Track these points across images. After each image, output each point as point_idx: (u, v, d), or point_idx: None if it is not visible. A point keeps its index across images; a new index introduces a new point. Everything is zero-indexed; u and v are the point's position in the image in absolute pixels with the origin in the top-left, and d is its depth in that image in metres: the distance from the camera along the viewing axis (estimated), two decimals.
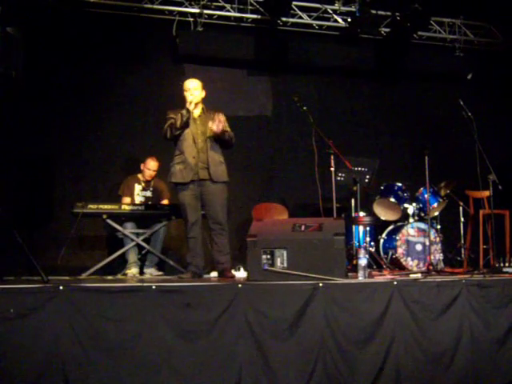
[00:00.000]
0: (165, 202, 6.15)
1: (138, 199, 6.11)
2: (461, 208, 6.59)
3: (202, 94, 4.84)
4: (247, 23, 7.27)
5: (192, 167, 4.65)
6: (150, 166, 6.14)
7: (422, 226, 6.13)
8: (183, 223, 4.82)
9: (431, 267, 5.24)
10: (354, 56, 7.57)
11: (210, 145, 4.72)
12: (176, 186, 4.76)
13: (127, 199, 6.05)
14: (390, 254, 6.15)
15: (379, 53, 7.66)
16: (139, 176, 6.21)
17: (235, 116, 6.23)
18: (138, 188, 6.15)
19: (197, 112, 4.80)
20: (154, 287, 3.37)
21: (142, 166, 6.21)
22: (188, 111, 4.67)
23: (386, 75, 7.77)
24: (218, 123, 4.63)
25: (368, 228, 6.16)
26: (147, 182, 6.19)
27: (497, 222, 5.27)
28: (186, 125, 4.68)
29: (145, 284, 3.49)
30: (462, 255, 6.48)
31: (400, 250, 6.05)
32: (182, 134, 4.70)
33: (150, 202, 6.06)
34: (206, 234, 4.94)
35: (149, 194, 6.18)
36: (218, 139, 4.75)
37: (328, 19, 7.50)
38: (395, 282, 3.85)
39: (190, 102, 4.69)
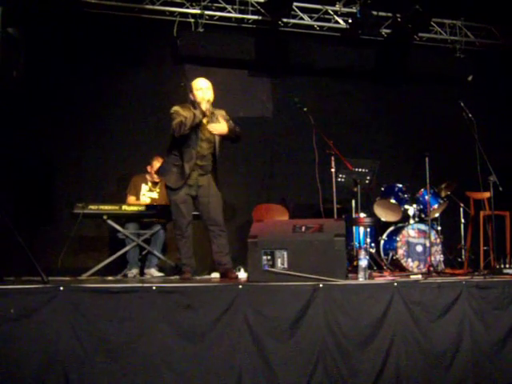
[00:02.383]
0: None
1: (144, 200, 6.08)
2: (461, 209, 6.58)
3: (213, 94, 4.70)
4: (248, 24, 7.27)
5: (186, 175, 4.56)
6: (157, 167, 6.08)
7: (423, 227, 6.13)
8: None
9: (432, 268, 5.24)
10: (355, 57, 7.58)
11: (214, 150, 4.68)
12: (167, 187, 4.71)
13: (132, 198, 6.01)
14: (391, 255, 6.15)
15: (380, 54, 7.66)
16: (147, 176, 6.16)
17: (236, 117, 6.22)
18: (144, 188, 6.11)
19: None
20: (154, 288, 3.37)
21: (148, 168, 6.13)
22: (203, 113, 4.54)
23: (387, 76, 7.77)
24: (218, 128, 4.60)
25: (368, 229, 6.16)
26: (154, 184, 6.15)
27: (497, 224, 5.27)
28: (196, 126, 4.55)
29: (145, 285, 3.50)
30: (463, 256, 6.47)
31: (400, 251, 6.04)
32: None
33: (155, 204, 6.00)
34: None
35: (155, 195, 6.13)
36: (227, 138, 4.73)
37: (329, 20, 7.50)
38: (395, 283, 3.85)
39: (208, 101, 4.56)
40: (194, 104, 4.66)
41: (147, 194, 6.12)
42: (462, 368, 3.85)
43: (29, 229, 5.86)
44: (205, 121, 4.62)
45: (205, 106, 4.54)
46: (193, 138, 4.58)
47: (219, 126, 4.64)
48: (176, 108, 4.65)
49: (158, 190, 6.15)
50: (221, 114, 4.77)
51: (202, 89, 4.65)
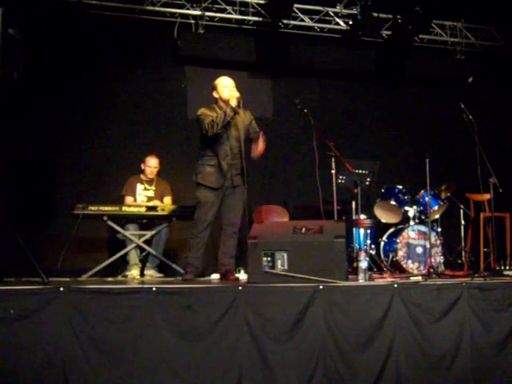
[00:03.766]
0: (167, 199, 6.13)
1: (140, 199, 6.09)
2: (461, 211, 6.59)
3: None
4: (248, 25, 7.28)
5: (225, 173, 4.60)
6: (151, 163, 6.11)
7: (423, 228, 6.12)
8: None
9: (432, 270, 5.24)
10: (355, 59, 7.58)
11: (243, 150, 4.71)
12: (199, 185, 4.67)
13: (130, 199, 6.03)
14: (391, 256, 6.14)
15: (380, 55, 7.66)
16: (141, 176, 6.18)
17: None
18: (140, 187, 6.13)
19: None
20: (154, 289, 3.37)
21: (142, 166, 6.18)
22: (234, 110, 4.58)
23: (387, 78, 7.78)
24: (262, 145, 4.64)
25: (368, 231, 6.15)
26: (149, 182, 6.17)
27: (497, 225, 5.27)
28: (228, 124, 4.59)
29: (145, 286, 3.49)
30: (463, 258, 6.47)
31: (400, 253, 6.04)
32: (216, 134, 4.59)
33: (152, 202, 6.03)
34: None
35: (151, 193, 6.15)
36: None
37: (329, 22, 7.50)
38: (396, 285, 3.85)
39: (237, 98, 4.58)
40: (219, 103, 4.72)
41: (143, 193, 6.14)
42: (462, 370, 3.85)
43: (29, 229, 5.85)
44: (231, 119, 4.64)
45: (235, 103, 4.58)
46: (223, 136, 4.63)
47: (261, 146, 4.68)
48: (203, 110, 4.69)
49: (153, 188, 6.18)
50: (247, 114, 4.80)
51: (228, 86, 4.72)
